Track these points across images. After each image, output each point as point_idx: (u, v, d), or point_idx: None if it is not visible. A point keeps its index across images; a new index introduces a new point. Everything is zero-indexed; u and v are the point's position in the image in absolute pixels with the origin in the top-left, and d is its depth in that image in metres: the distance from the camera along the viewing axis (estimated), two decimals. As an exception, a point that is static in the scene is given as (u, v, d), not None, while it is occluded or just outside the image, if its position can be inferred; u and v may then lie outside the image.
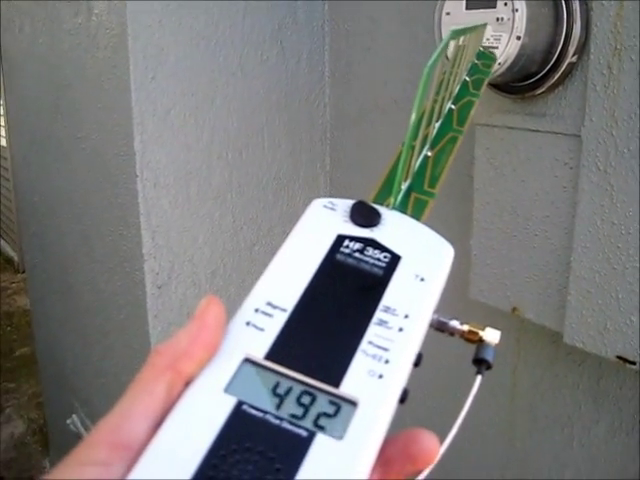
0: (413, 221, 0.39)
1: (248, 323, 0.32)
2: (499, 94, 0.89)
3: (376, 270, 0.35)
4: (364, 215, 0.38)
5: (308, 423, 0.28)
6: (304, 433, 0.28)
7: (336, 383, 0.30)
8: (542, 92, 0.84)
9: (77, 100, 1.44)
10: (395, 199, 0.40)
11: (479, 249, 0.97)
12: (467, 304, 1.02)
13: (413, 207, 0.41)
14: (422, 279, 0.35)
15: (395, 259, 0.36)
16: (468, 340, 0.40)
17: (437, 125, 0.49)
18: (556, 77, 0.81)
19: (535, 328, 0.98)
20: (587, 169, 0.80)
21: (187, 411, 0.29)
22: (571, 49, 0.80)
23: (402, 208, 0.40)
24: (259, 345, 0.31)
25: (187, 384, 0.30)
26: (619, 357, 0.81)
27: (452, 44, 0.48)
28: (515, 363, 1.10)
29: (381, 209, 0.39)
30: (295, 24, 1.32)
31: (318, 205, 0.39)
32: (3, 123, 4.10)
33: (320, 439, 0.28)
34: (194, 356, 0.30)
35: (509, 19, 0.76)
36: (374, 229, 0.38)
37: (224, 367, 0.30)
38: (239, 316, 0.33)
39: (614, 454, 0.97)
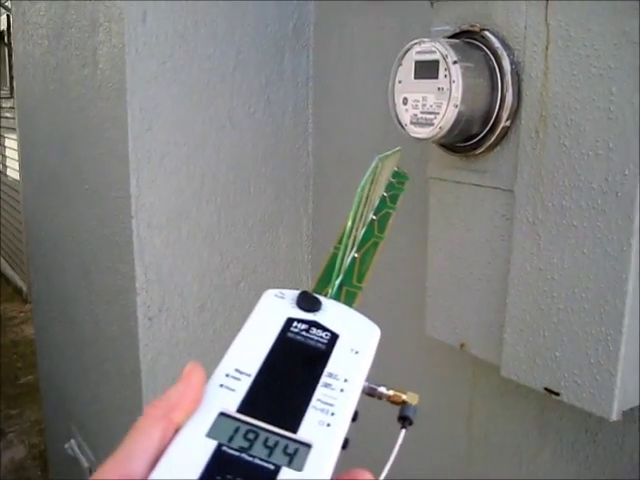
0: (346, 307, 0.49)
1: (221, 385, 0.40)
2: (447, 152, 1.00)
3: (320, 345, 0.44)
4: (308, 302, 0.48)
5: (274, 459, 0.36)
6: (272, 467, 0.36)
7: (294, 430, 0.38)
8: (482, 152, 0.94)
9: (81, 145, 1.56)
10: (331, 290, 0.50)
11: (433, 291, 1.07)
12: (433, 340, 1.12)
13: (345, 297, 0.51)
14: (356, 352, 0.44)
15: (334, 337, 0.45)
16: (393, 402, 0.49)
17: (362, 232, 0.59)
18: (492, 139, 0.92)
19: (488, 362, 1.08)
20: (519, 221, 0.91)
21: (179, 450, 0.36)
22: (504, 115, 0.90)
23: (337, 297, 0.50)
24: (231, 402, 0.39)
25: (177, 431, 0.37)
26: (546, 389, 0.90)
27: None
28: (472, 395, 1.20)
29: (321, 298, 0.49)
30: (281, 80, 1.44)
31: (270, 294, 0.49)
32: (18, 158, 4.24)
33: (284, 471, 0.35)
34: (183, 407, 0.38)
35: (448, 89, 0.87)
36: (316, 313, 0.47)
37: (205, 418, 0.38)
38: (213, 379, 0.40)
39: (556, 480, 1.06)
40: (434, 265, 1.07)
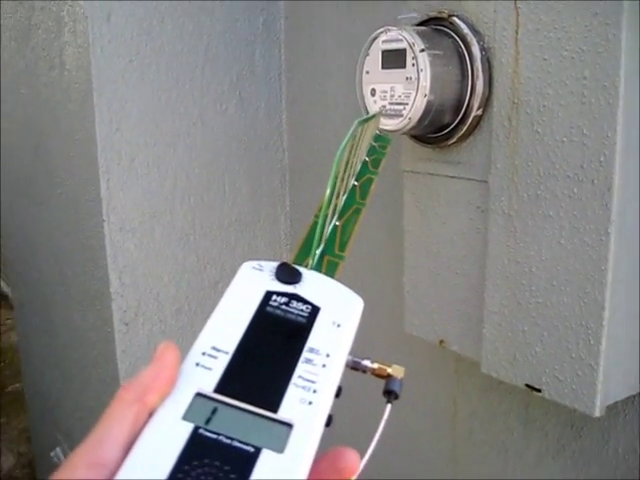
0: (328, 278, 0.46)
1: (197, 364, 0.38)
2: (419, 144, 0.96)
3: (300, 319, 0.42)
4: (287, 274, 0.45)
5: (254, 441, 0.34)
6: (251, 449, 0.34)
7: (274, 409, 0.36)
8: (454, 142, 0.91)
9: (53, 148, 1.53)
10: (312, 261, 0.47)
11: (410, 286, 1.04)
12: (413, 337, 1.09)
13: (327, 267, 0.48)
14: (338, 325, 0.42)
15: (315, 310, 0.43)
16: (378, 376, 0.46)
17: (343, 199, 0.56)
18: (464, 129, 0.89)
19: (469, 358, 1.05)
20: (494, 212, 0.88)
21: (154, 435, 0.34)
22: (476, 103, 0.87)
23: (318, 268, 0.47)
24: (208, 381, 0.37)
25: (150, 414, 0.35)
26: (527, 385, 0.87)
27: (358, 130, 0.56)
28: (455, 392, 1.17)
29: (301, 269, 0.46)
30: (253, 75, 1.41)
31: (248, 267, 0.46)
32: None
33: (265, 453, 0.33)
34: (157, 389, 0.36)
35: (416, 78, 0.84)
36: (296, 286, 0.44)
37: (181, 400, 0.36)
38: (189, 358, 0.38)
39: (542, 478, 1.03)
40: (410, 260, 1.04)
